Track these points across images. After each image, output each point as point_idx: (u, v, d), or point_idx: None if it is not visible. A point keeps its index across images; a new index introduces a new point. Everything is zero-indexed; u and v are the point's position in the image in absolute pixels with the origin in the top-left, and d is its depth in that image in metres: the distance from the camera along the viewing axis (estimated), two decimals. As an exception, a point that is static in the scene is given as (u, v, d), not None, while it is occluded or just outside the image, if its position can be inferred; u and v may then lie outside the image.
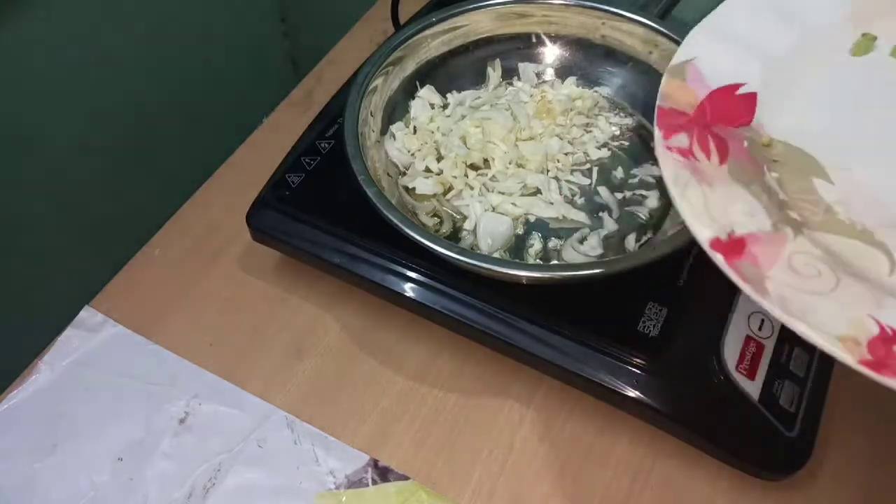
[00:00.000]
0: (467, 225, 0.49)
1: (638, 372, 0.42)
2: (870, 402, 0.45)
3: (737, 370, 0.42)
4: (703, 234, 0.29)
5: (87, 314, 0.52)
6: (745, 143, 0.34)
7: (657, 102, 0.35)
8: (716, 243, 0.29)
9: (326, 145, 0.53)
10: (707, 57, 0.37)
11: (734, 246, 0.29)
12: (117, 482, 0.44)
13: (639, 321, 0.43)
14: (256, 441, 0.46)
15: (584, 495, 0.43)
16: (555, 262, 0.47)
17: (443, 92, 0.56)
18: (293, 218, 0.49)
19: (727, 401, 0.42)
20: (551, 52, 0.57)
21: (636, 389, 0.42)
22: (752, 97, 0.36)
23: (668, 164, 0.32)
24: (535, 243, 0.48)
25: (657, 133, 0.34)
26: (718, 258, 0.29)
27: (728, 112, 0.35)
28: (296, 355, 0.50)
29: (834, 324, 0.26)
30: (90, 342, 0.50)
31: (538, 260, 0.47)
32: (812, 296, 0.28)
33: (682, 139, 0.33)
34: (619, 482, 0.44)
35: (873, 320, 0.27)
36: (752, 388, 0.42)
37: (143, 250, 0.56)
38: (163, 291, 0.53)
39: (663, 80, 0.36)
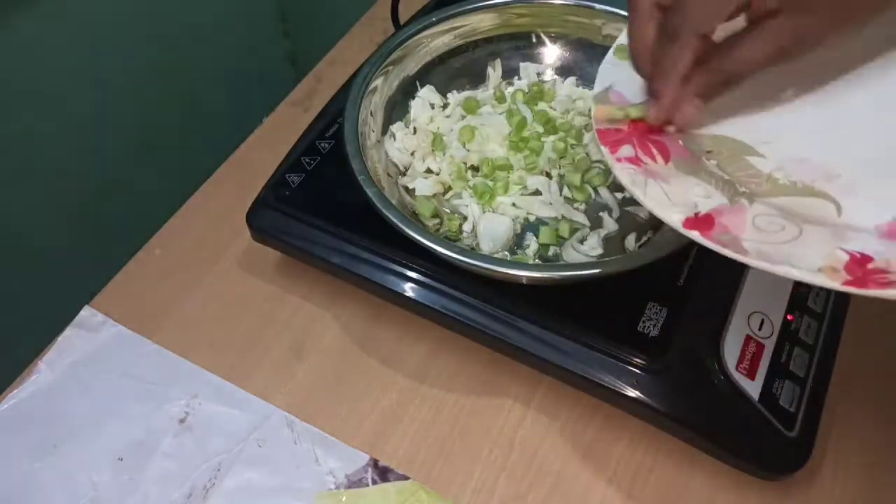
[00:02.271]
0: (467, 225, 0.49)
1: (638, 372, 0.42)
2: (869, 402, 0.45)
3: (737, 370, 0.42)
4: (675, 218, 0.33)
5: (87, 314, 0.52)
6: (681, 142, 0.38)
7: (594, 126, 0.40)
8: (688, 223, 0.33)
9: (326, 145, 0.53)
10: (621, 82, 0.42)
11: (704, 221, 0.33)
12: (117, 482, 0.44)
13: (639, 321, 0.43)
14: (256, 441, 0.46)
15: (584, 495, 0.43)
16: (555, 262, 0.47)
17: (443, 92, 0.56)
18: (293, 218, 0.49)
19: (727, 401, 0.42)
20: (551, 52, 0.57)
21: (636, 389, 0.42)
22: None
23: (623, 173, 0.36)
24: (533, 243, 0.48)
25: (604, 150, 0.38)
26: (695, 234, 0.32)
27: None
28: (296, 355, 0.50)
29: (811, 261, 0.30)
30: (90, 342, 0.50)
31: (537, 260, 0.47)
32: (784, 245, 0.31)
33: (627, 150, 0.38)
34: (619, 482, 0.44)
35: (842, 251, 0.31)
36: (752, 388, 0.42)
37: (143, 250, 0.56)
38: (163, 291, 0.53)
39: (592, 108, 0.41)
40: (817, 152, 0.36)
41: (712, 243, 0.31)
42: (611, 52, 0.45)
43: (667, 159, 0.37)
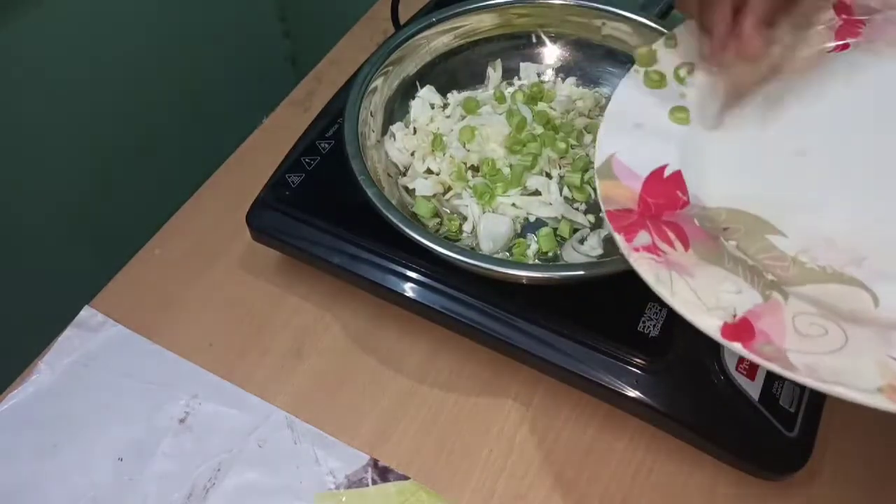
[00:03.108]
0: (467, 226, 0.49)
1: (638, 372, 0.42)
2: (870, 402, 0.45)
3: (737, 370, 0.42)
4: (711, 325, 0.31)
5: (87, 314, 0.52)
6: (696, 221, 0.36)
7: (603, 207, 0.37)
8: (726, 330, 0.31)
9: (326, 145, 0.53)
10: (624, 149, 0.40)
11: (743, 328, 0.31)
12: (117, 482, 0.44)
13: (639, 321, 0.43)
14: (256, 441, 0.46)
15: (584, 495, 0.43)
16: (554, 262, 0.47)
17: (443, 92, 0.56)
18: (293, 218, 0.49)
19: (727, 401, 0.42)
20: (551, 52, 0.57)
21: (636, 389, 0.42)
22: (678, 176, 0.39)
23: (645, 267, 0.34)
24: (533, 244, 0.48)
25: (619, 238, 0.36)
26: (737, 346, 0.30)
27: (666, 198, 0.38)
28: (296, 355, 0.50)
29: (866, 378, 0.28)
30: (90, 342, 0.50)
31: (537, 260, 0.47)
32: (832, 356, 0.29)
33: (643, 238, 0.35)
34: (618, 482, 0.44)
35: (893, 359, 0.29)
36: (752, 388, 0.42)
37: (143, 250, 0.56)
38: (163, 291, 0.53)
39: (597, 183, 0.39)
40: (840, 230, 0.35)
41: (757, 357, 0.30)
42: (605, 118, 0.42)
43: (686, 245, 0.35)
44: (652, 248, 0.35)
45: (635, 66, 0.44)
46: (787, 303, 0.32)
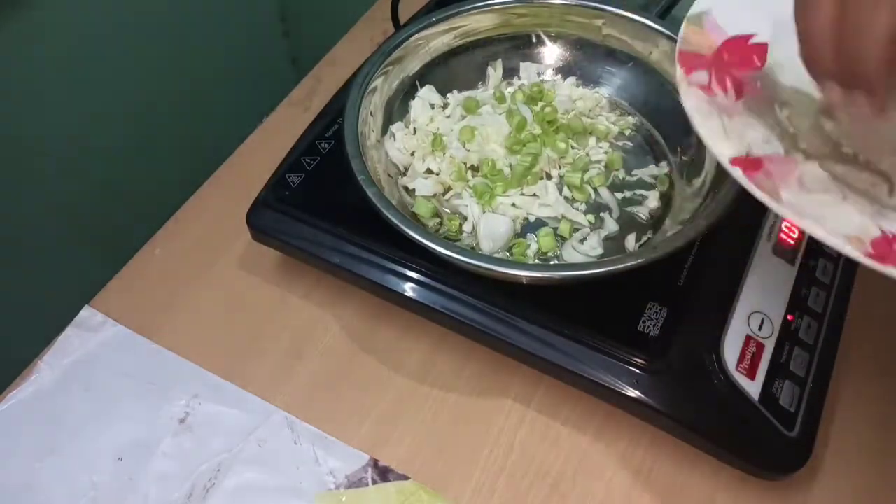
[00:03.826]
0: (467, 226, 0.49)
1: (638, 372, 0.42)
2: (869, 401, 0.45)
3: (737, 370, 0.42)
4: (725, 153, 0.32)
5: (87, 314, 0.52)
6: (759, 84, 0.37)
7: (678, 46, 0.38)
8: (735, 160, 0.32)
9: (326, 145, 0.53)
10: (721, 11, 0.40)
11: (752, 163, 0.32)
12: (117, 482, 0.44)
13: (639, 321, 0.43)
14: (256, 441, 0.46)
15: (584, 495, 0.43)
16: (555, 262, 0.47)
17: (443, 92, 0.56)
18: (293, 218, 0.49)
19: (727, 401, 0.42)
20: (551, 52, 0.57)
21: (636, 389, 0.42)
22: (763, 47, 0.39)
23: (690, 98, 0.35)
24: (533, 244, 0.48)
25: (678, 70, 0.36)
26: (737, 172, 0.31)
27: (742, 58, 0.38)
28: (296, 355, 0.50)
29: (842, 226, 0.29)
30: (90, 342, 0.50)
31: (537, 260, 0.47)
32: (822, 206, 0.31)
33: (701, 76, 0.36)
34: (619, 482, 0.44)
35: (876, 226, 0.30)
36: (752, 388, 0.42)
37: (143, 250, 0.56)
38: (163, 291, 0.53)
39: (683, 25, 0.39)
40: (890, 126, 0.35)
41: (750, 184, 0.30)
42: None
43: (739, 95, 0.36)
44: (706, 88, 0.36)
45: None
46: (805, 163, 0.33)
